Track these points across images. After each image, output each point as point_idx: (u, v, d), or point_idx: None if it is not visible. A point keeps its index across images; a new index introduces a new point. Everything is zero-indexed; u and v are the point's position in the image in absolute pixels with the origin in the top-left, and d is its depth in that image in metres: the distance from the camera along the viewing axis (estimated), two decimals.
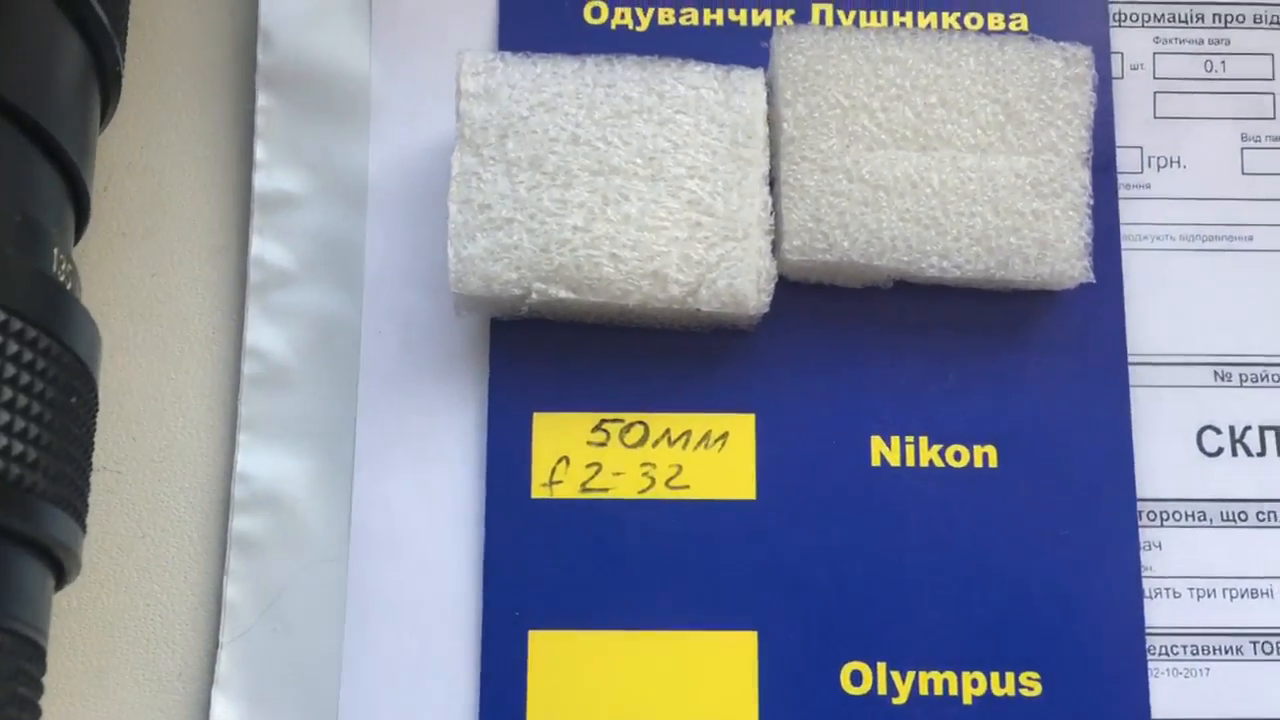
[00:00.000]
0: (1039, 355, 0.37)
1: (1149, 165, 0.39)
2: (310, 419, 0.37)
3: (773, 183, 0.36)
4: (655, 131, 0.36)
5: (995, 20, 0.39)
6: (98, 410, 0.33)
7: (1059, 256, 0.36)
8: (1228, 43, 0.40)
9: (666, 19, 0.39)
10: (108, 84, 0.34)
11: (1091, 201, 0.37)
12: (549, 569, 0.36)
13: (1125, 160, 0.39)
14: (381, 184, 0.38)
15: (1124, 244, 0.38)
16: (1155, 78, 0.40)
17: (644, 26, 0.39)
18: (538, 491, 0.36)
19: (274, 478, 0.37)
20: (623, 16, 0.39)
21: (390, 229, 0.38)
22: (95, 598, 0.36)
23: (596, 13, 0.39)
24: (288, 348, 0.37)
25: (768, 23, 0.39)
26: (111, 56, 0.33)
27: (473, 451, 0.37)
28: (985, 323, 0.37)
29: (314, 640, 0.36)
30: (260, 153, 0.38)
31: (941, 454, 0.37)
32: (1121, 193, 0.39)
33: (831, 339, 0.37)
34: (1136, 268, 0.38)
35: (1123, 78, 0.40)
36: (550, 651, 0.35)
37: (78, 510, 0.29)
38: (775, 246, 0.36)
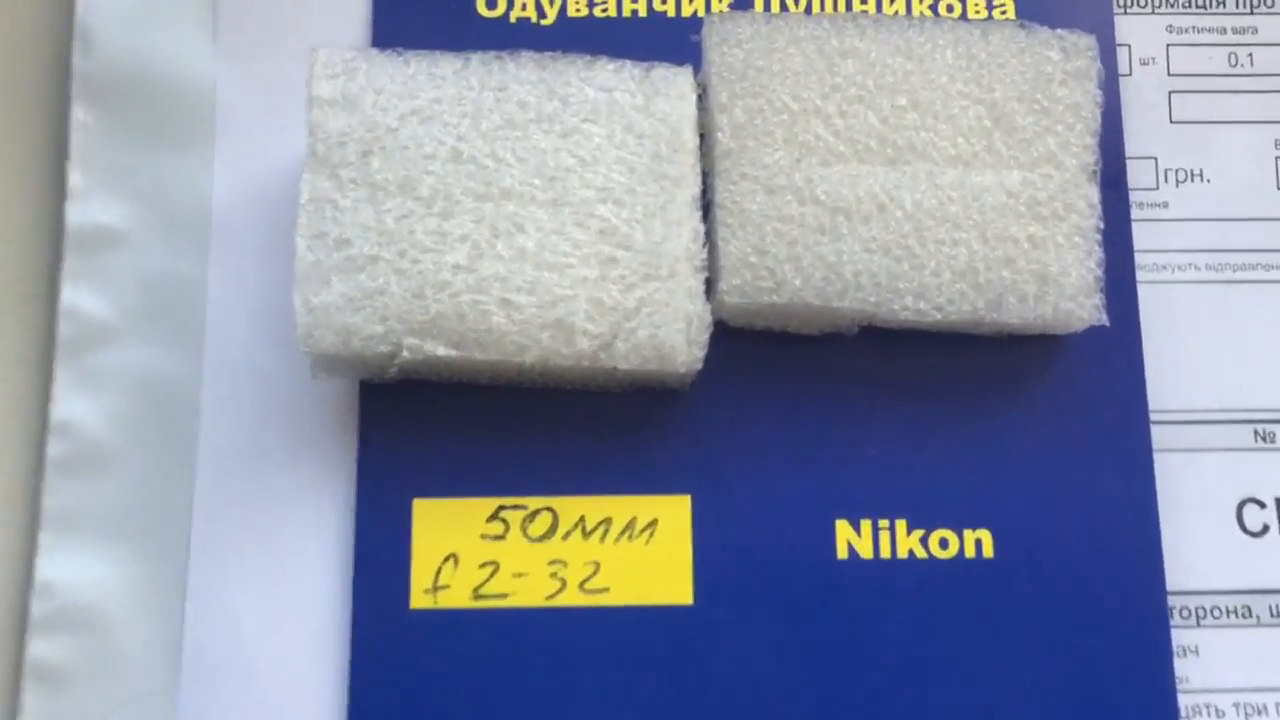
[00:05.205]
0: (1041, 416, 0.35)
1: (1165, 180, 0.37)
2: (132, 513, 0.34)
3: (706, 207, 0.35)
4: (557, 145, 0.33)
5: (976, 6, 0.37)
6: None
7: (1063, 294, 0.34)
8: (1255, 31, 0.38)
9: (578, 9, 0.37)
10: None
11: (1102, 225, 0.34)
12: (432, 699, 0.33)
13: (1137, 174, 0.37)
14: (228, 216, 0.36)
15: (1139, 276, 0.36)
16: (1170, 74, 0.38)
17: (550, 19, 0.37)
18: (418, 600, 0.33)
19: (84, 589, 0.34)
20: (524, 7, 0.37)
21: (238, 272, 0.36)
22: None
23: (492, 3, 0.37)
24: (105, 421, 0.35)
25: (700, 13, 0.37)
26: None
27: (337, 550, 0.34)
28: (974, 377, 0.35)
29: None
30: (76, 179, 0.36)
31: (924, 542, 0.34)
32: (1134, 213, 0.37)
33: (783, 400, 0.35)
34: (1155, 305, 0.36)
35: (1131, 74, 0.38)
36: None
37: None
38: (710, 286, 0.34)
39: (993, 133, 0.34)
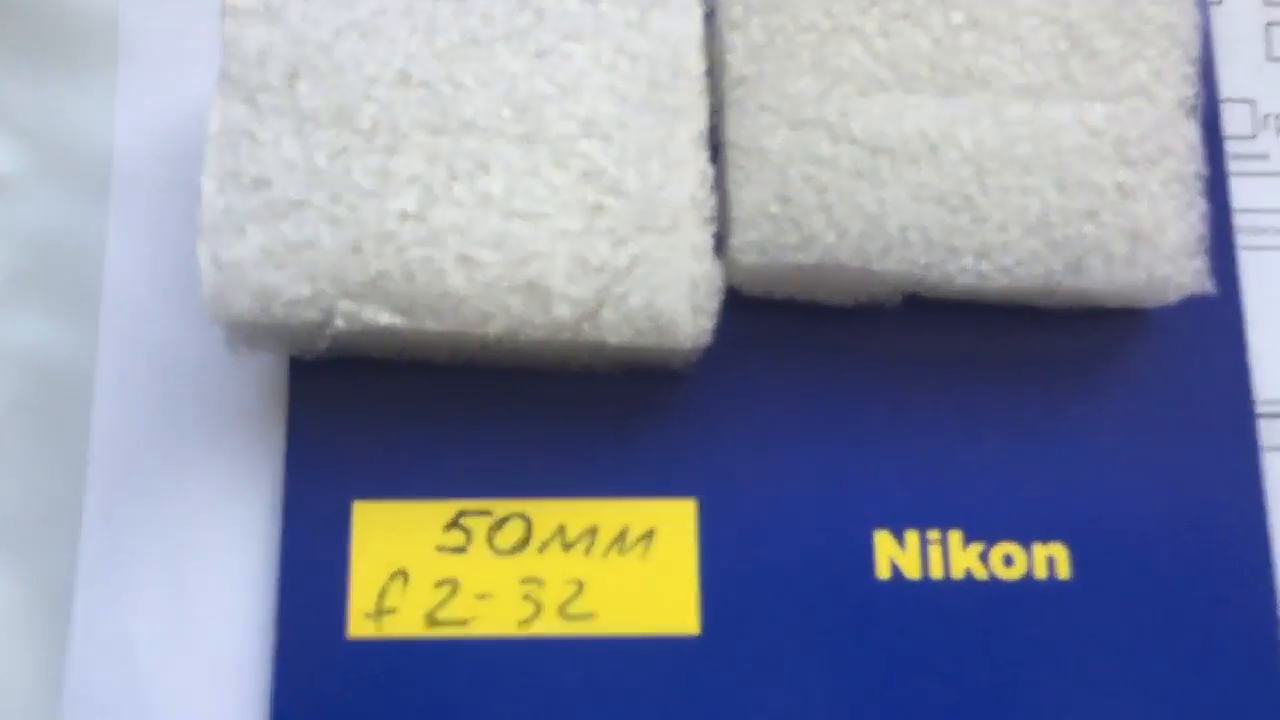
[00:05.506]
0: (1124, 406, 0.32)
1: (1265, 126, 0.35)
2: (8, 517, 0.32)
3: (714, 146, 0.32)
4: (531, 68, 0.31)
5: None
6: None
7: (1159, 255, 0.31)
8: None
9: None
10: None
11: (1205, 170, 0.32)
12: None
13: (1232, 119, 0.35)
14: (132, 160, 0.34)
15: (1239, 240, 0.34)
16: (1267, 3, 0.36)
17: None
18: (358, 627, 0.31)
19: None
20: None
21: (144, 226, 0.34)
22: None
23: None
24: None
25: None
26: None
27: (259, 564, 0.32)
28: (1044, 358, 0.33)
29: None
30: None
31: (983, 559, 0.31)
32: (1230, 165, 0.35)
33: (810, 385, 0.32)
34: (1259, 274, 0.34)
35: (1222, 2, 0.36)
36: None
37: None
38: (720, 243, 0.32)
39: (1069, 58, 0.31)
